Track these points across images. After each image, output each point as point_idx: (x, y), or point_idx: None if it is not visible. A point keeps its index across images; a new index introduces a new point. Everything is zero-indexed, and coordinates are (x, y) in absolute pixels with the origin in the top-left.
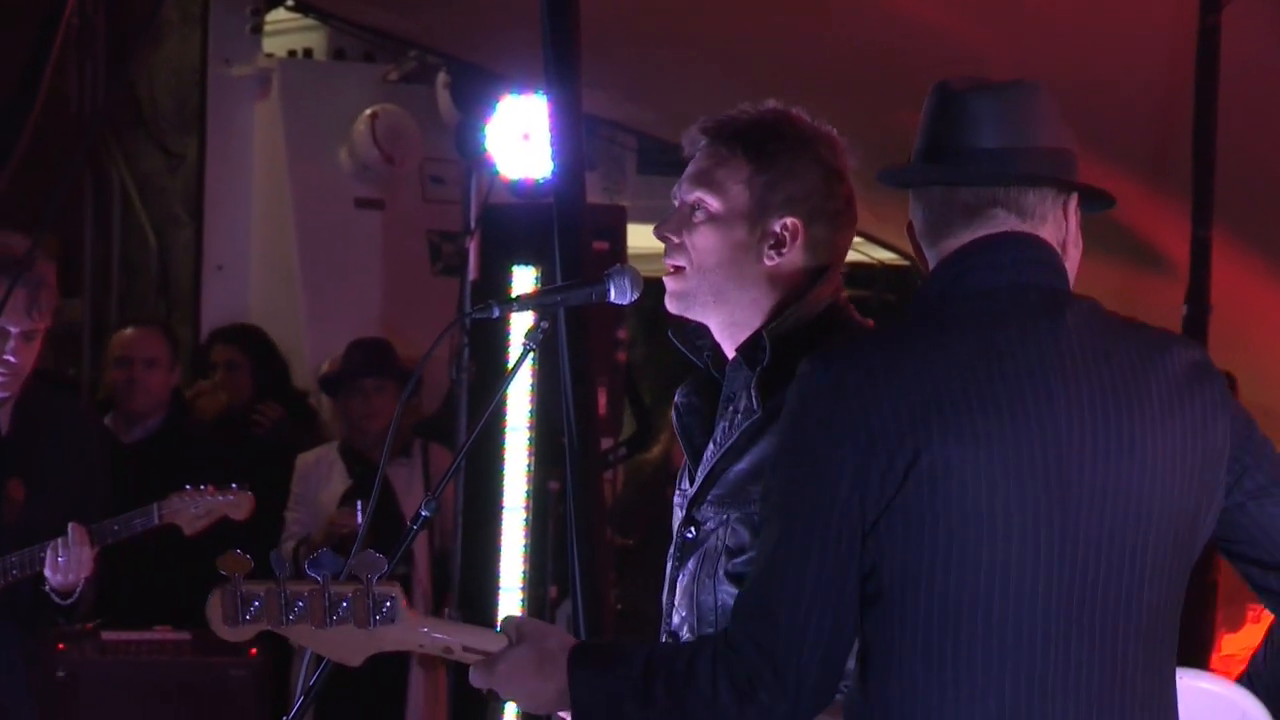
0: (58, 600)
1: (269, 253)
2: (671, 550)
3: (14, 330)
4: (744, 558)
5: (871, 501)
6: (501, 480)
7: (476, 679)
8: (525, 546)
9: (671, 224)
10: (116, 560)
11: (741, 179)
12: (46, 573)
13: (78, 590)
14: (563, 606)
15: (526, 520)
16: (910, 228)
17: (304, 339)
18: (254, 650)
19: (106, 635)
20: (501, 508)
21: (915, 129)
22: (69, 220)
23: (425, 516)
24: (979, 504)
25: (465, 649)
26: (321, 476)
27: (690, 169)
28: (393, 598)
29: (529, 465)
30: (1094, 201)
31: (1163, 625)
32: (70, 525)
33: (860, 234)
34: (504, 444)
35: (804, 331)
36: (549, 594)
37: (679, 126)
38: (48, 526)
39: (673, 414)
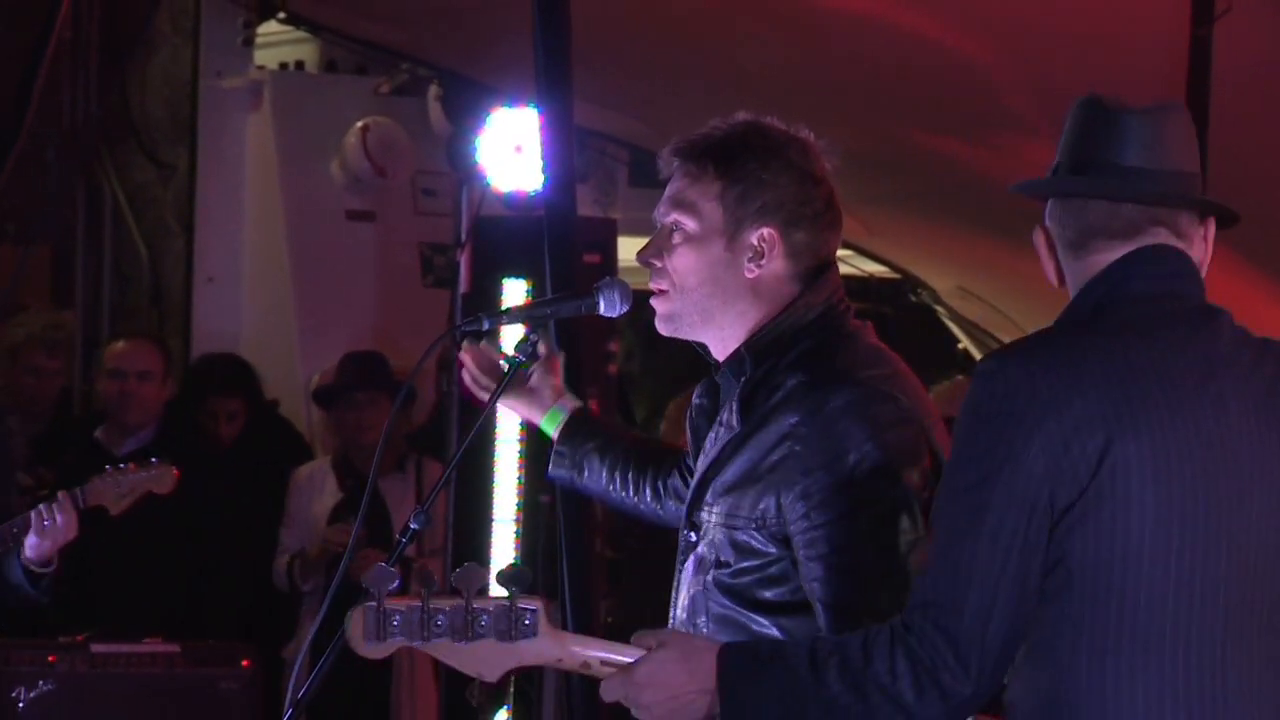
0: (37, 570)
1: (261, 264)
2: (678, 548)
3: None
4: (728, 571)
5: (1063, 494)
6: (492, 493)
7: (610, 690)
8: (516, 559)
9: (651, 248)
10: (107, 573)
11: (713, 195)
12: (31, 540)
13: (54, 563)
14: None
15: (518, 533)
16: (1045, 236)
17: (295, 351)
18: (246, 661)
19: (96, 648)
20: (492, 520)
21: (911, 142)
22: (61, 231)
23: (415, 529)
24: (1168, 500)
25: (604, 663)
26: (314, 490)
27: (666, 191)
28: (534, 611)
29: (520, 478)
30: (1220, 224)
31: None
32: (59, 493)
33: (852, 247)
34: (495, 456)
35: (789, 341)
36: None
37: (671, 138)
38: None
39: (687, 413)
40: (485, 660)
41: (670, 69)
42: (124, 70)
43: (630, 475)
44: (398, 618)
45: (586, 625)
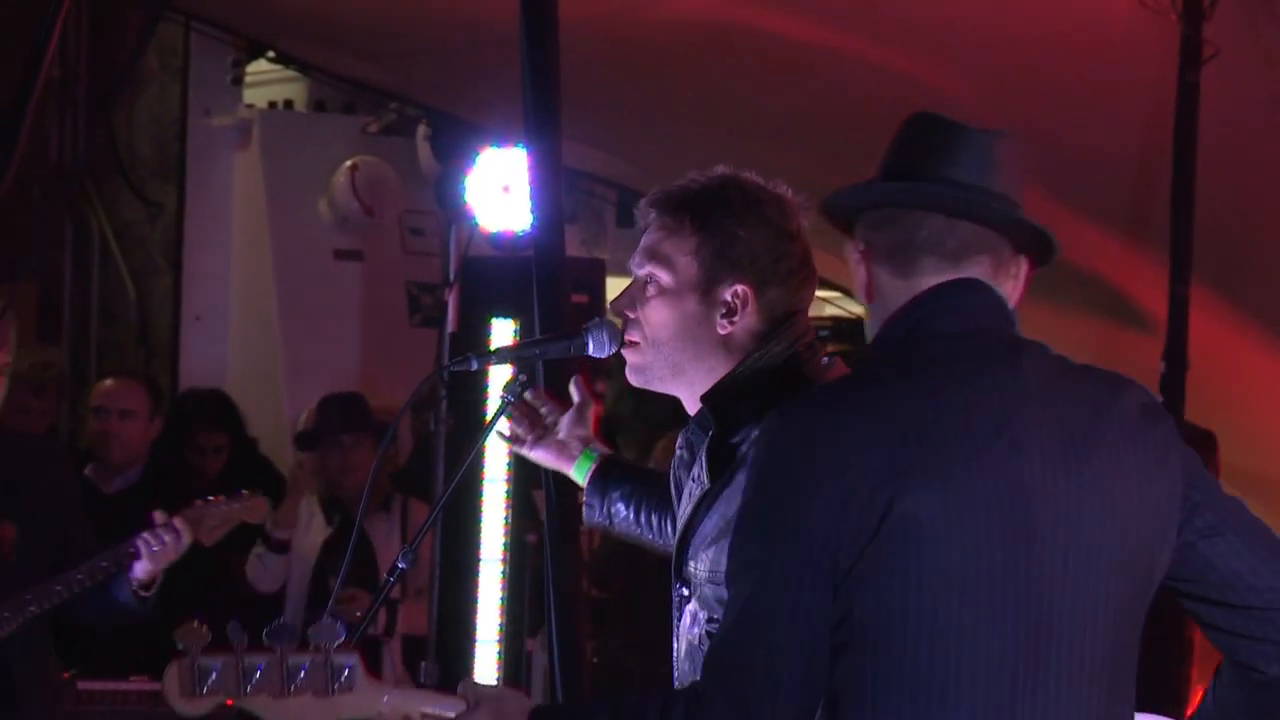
0: (143, 593)
1: (248, 303)
2: (673, 603)
3: None
4: (715, 625)
5: (845, 551)
6: (479, 533)
7: None
8: (502, 599)
9: (625, 299)
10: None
11: (689, 250)
12: (141, 563)
13: (158, 581)
14: (538, 658)
15: (504, 573)
16: (864, 247)
17: (282, 389)
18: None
19: (82, 685)
20: (479, 560)
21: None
22: (48, 268)
23: (402, 569)
24: (951, 553)
25: (424, 716)
26: (301, 527)
27: (642, 242)
28: (351, 665)
29: (506, 518)
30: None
31: (1123, 668)
32: (168, 516)
33: (838, 289)
34: (482, 496)
35: (750, 389)
36: (526, 646)
37: (659, 180)
38: (41, 563)
39: (672, 465)
40: (304, 716)
41: (658, 110)
42: (112, 108)
43: (654, 519)
44: (214, 672)
45: (573, 665)
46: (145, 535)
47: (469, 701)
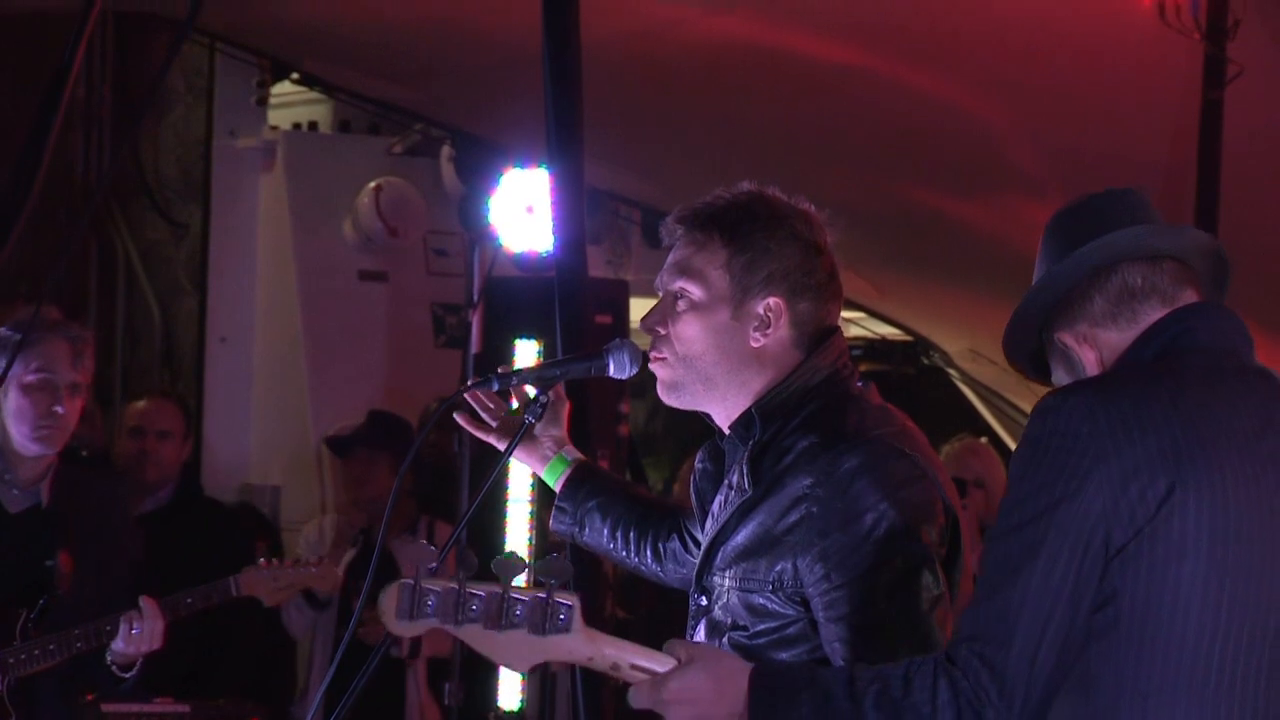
0: (118, 672)
1: (273, 324)
2: (689, 613)
3: (63, 382)
4: (744, 633)
5: (1119, 534)
6: (502, 552)
7: (639, 698)
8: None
9: (656, 315)
10: None
11: (720, 263)
12: (117, 644)
13: (139, 664)
14: (562, 679)
15: None
16: (1077, 338)
17: (307, 411)
18: (255, 718)
19: (106, 707)
20: None
21: (922, 203)
22: (73, 289)
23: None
24: (1222, 548)
25: (634, 667)
26: (324, 545)
27: (670, 258)
28: (570, 606)
29: (530, 538)
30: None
31: None
32: (142, 599)
33: (863, 309)
34: (506, 516)
35: (797, 403)
36: (550, 667)
37: (684, 200)
38: (93, 598)
39: (691, 477)
40: (515, 651)
41: (683, 131)
42: (137, 129)
43: (632, 535)
44: (433, 598)
45: (596, 685)
46: (131, 613)
47: (680, 659)
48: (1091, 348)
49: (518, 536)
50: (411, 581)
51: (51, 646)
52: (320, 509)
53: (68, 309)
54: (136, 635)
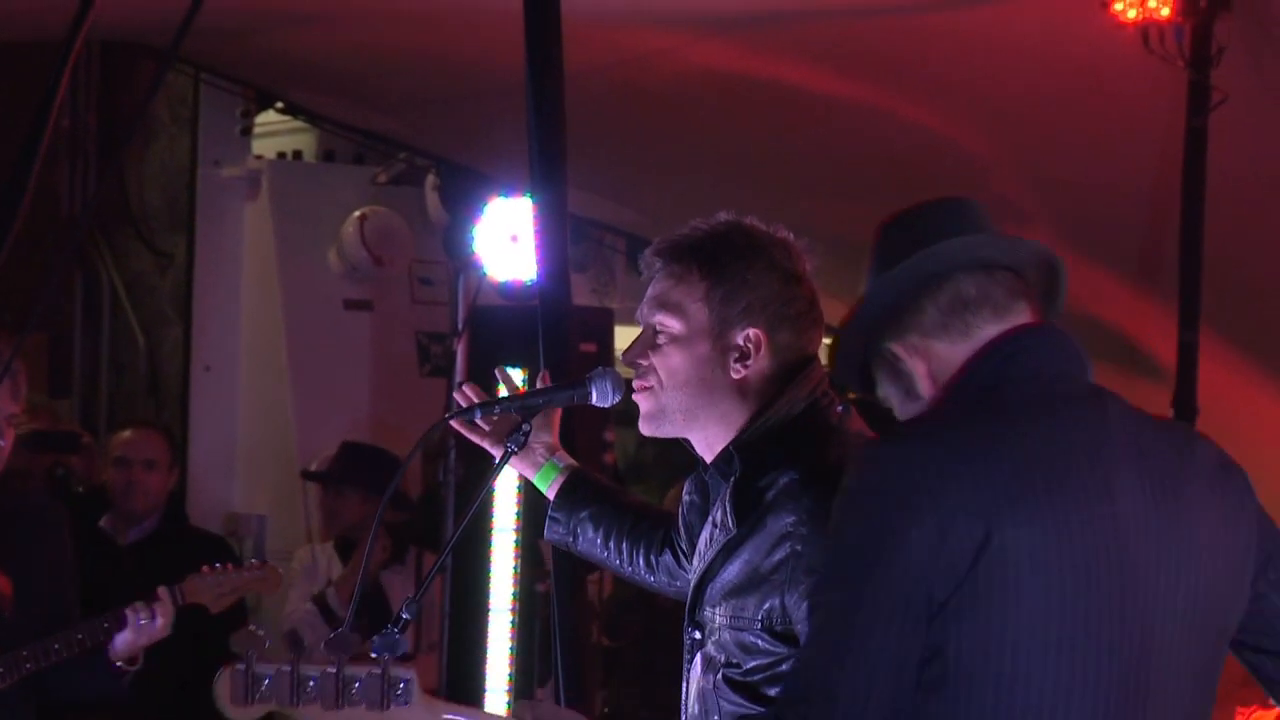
0: (124, 665)
1: (258, 353)
2: (683, 645)
3: (2, 414)
4: (737, 670)
5: (941, 584)
6: (489, 582)
7: None
8: (512, 648)
9: (637, 349)
10: None
11: (699, 296)
12: (123, 636)
13: (139, 659)
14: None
15: (513, 622)
16: (915, 344)
17: (293, 440)
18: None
19: None
20: (489, 609)
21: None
22: (58, 319)
23: (406, 619)
24: (1047, 590)
25: None
26: (319, 574)
27: (650, 291)
28: (408, 680)
29: (516, 567)
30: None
31: (1204, 711)
32: (157, 589)
33: None
34: (491, 545)
35: (776, 438)
36: (535, 696)
37: (670, 228)
38: (37, 621)
39: (679, 508)
40: None
41: (668, 159)
42: (122, 159)
43: (625, 545)
44: (268, 679)
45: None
46: (138, 604)
47: None
48: (922, 359)
49: (503, 566)
50: (243, 666)
51: (0, 670)
52: (306, 537)
53: (53, 339)
54: (145, 625)
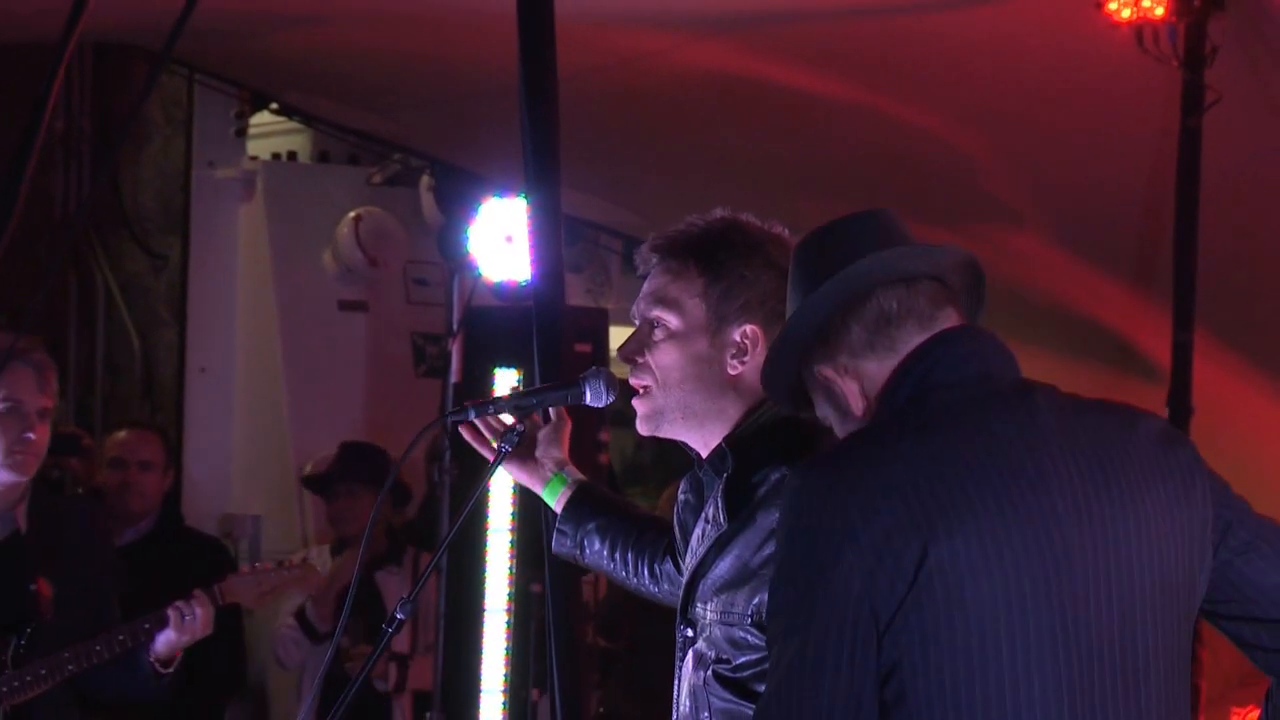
0: (163, 668)
1: (253, 354)
2: (677, 644)
3: (31, 409)
4: (727, 666)
5: (884, 603)
6: (483, 582)
7: None
8: (507, 649)
9: (633, 345)
10: None
11: (696, 292)
12: (165, 635)
13: (178, 659)
14: (543, 708)
15: (509, 623)
16: (844, 364)
17: (288, 441)
18: None
19: None
20: (483, 610)
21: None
22: (53, 321)
23: (400, 620)
24: (992, 595)
25: None
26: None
27: (646, 287)
28: None
29: (511, 567)
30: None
31: (1176, 692)
32: (194, 591)
33: None
34: (486, 546)
35: (768, 435)
36: (531, 696)
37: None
38: (79, 621)
39: (674, 509)
40: None
41: (663, 160)
42: (116, 160)
43: (630, 556)
44: None
45: (577, 716)
46: (179, 604)
47: None
48: (853, 379)
49: (498, 566)
50: None
51: (42, 671)
52: (301, 538)
53: (47, 340)
54: (189, 622)
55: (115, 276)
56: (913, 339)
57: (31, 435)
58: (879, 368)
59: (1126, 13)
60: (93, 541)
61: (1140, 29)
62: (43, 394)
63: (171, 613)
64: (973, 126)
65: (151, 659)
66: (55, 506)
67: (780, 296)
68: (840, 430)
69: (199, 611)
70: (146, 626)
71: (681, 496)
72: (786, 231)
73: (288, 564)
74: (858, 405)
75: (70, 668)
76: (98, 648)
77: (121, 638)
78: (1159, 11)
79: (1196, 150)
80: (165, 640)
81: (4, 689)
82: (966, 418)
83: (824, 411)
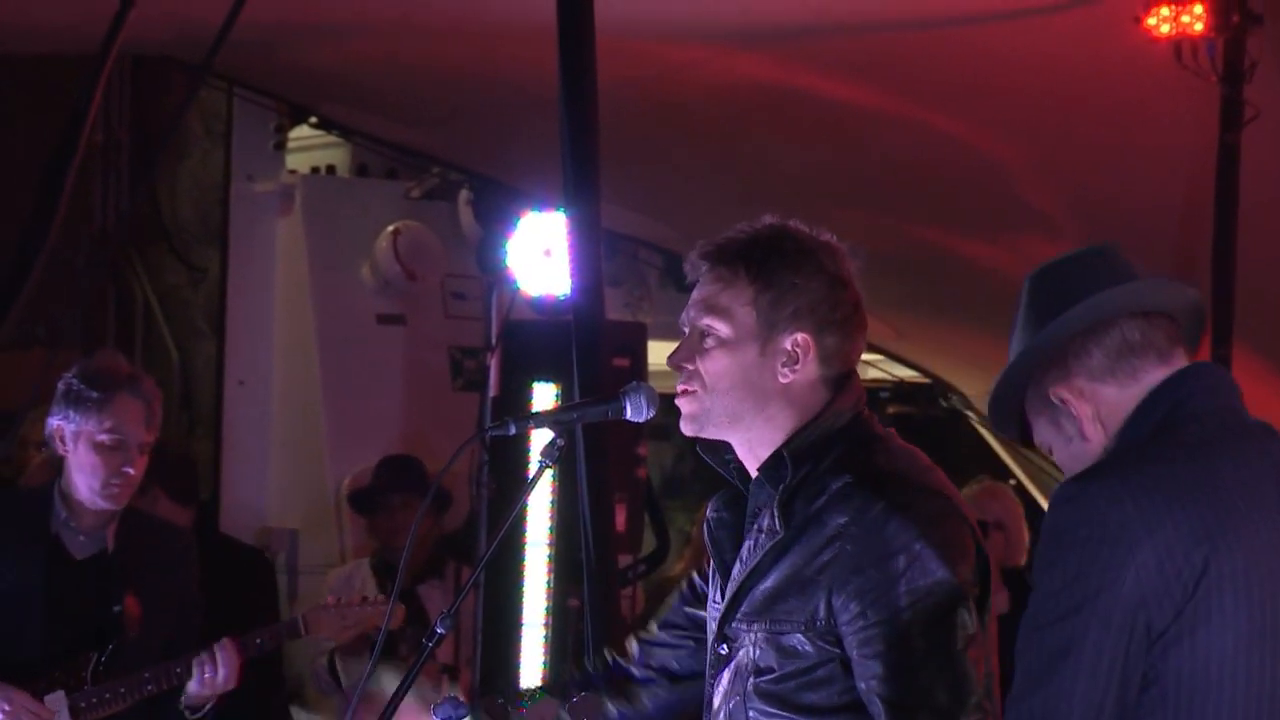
0: (189, 715)
1: (291, 368)
2: (707, 664)
3: (134, 443)
4: (770, 676)
5: (1159, 617)
6: (521, 596)
7: None
8: (544, 662)
9: (683, 352)
10: None
11: (747, 300)
12: (192, 685)
13: (209, 705)
14: None
15: (546, 636)
16: (1081, 388)
17: (325, 454)
18: None
19: None
20: (521, 624)
21: (941, 245)
22: (91, 333)
23: (440, 634)
24: (1259, 617)
25: None
26: (353, 592)
27: (695, 295)
28: None
29: (549, 581)
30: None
31: None
32: (224, 639)
33: (881, 351)
34: (524, 560)
35: (826, 445)
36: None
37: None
38: (160, 641)
39: (704, 528)
40: None
41: (700, 173)
42: (155, 173)
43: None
44: None
45: None
46: (202, 657)
47: None
48: (1089, 403)
49: (535, 581)
50: None
51: (122, 690)
52: (339, 552)
53: (86, 353)
54: (211, 677)
55: (154, 289)
56: (1152, 370)
57: (131, 470)
58: (1119, 394)
59: (1165, 28)
60: (177, 563)
61: (1179, 44)
62: (148, 429)
63: (195, 665)
64: (1011, 139)
65: (183, 703)
66: (145, 528)
67: (831, 304)
68: (1060, 457)
69: (222, 668)
70: (178, 670)
71: (714, 515)
72: (834, 238)
73: (374, 600)
74: (1090, 429)
75: (149, 688)
76: (178, 670)
77: (179, 670)
78: (1198, 27)
79: (1235, 165)
80: (192, 689)
81: (82, 704)
82: (1224, 446)
83: (1044, 437)
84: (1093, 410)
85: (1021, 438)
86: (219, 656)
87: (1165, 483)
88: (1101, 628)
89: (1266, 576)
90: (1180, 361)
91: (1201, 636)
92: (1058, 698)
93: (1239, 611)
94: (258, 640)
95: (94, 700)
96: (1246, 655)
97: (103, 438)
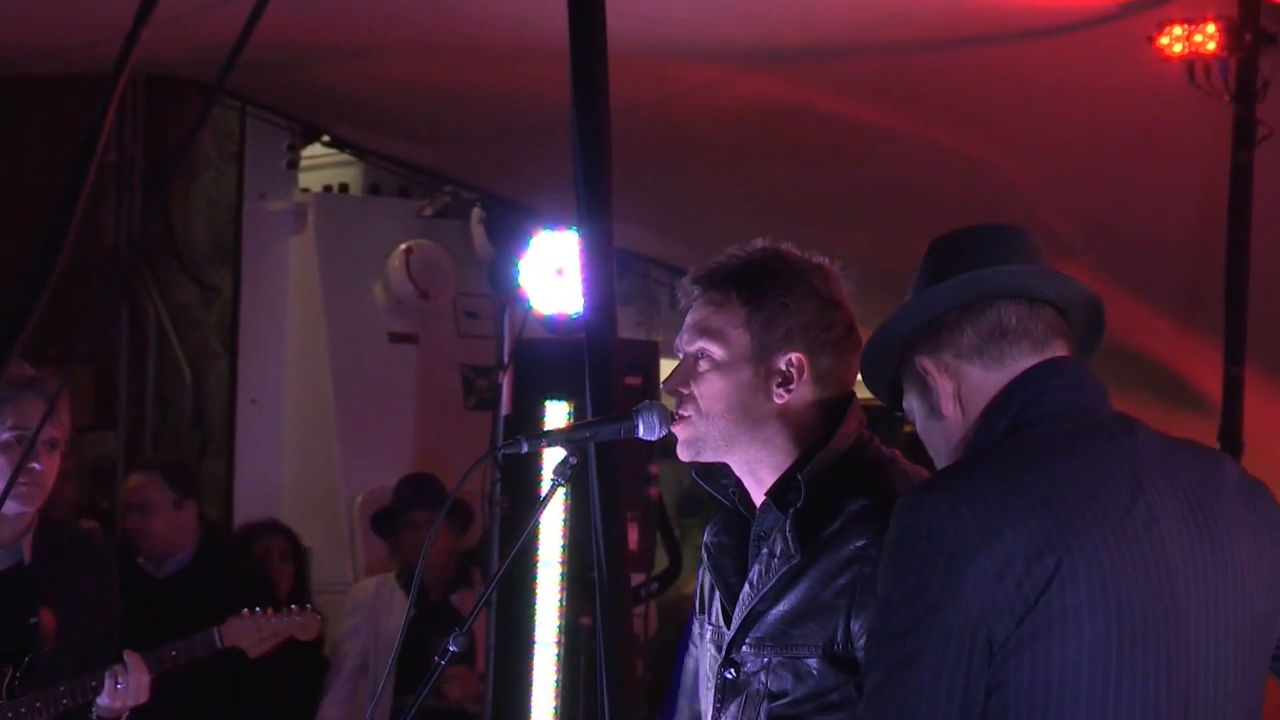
0: None
1: (303, 386)
2: (712, 690)
3: (41, 439)
4: (785, 701)
5: (1000, 627)
6: (533, 615)
7: None
8: (557, 681)
9: (678, 377)
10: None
11: (739, 322)
12: (102, 699)
13: (123, 718)
14: None
15: (558, 655)
16: (947, 362)
17: (338, 473)
18: None
19: None
20: (533, 642)
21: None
22: (104, 352)
23: (452, 651)
24: (1104, 626)
25: None
26: (382, 605)
27: (689, 319)
28: None
29: (561, 600)
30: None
31: None
32: (126, 653)
33: None
34: (536, 578)
35: (837, 468)
36: None
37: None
38: (77, 655)
39: (703, 552)
40: None
41: (713, 193)
42: (167, 192)
43: None
44: None
45: None
46: (116, 669)
47: None
48: (951, 379)
49: (548, 599)
50: None
51: (38, 704)
52: (351, 570)
53: (98, 372)
54: (121, 690)
55: (166, 308)
56: (1022, 359)
57: (37, 466)
58: (983, 377)
59: (1178, 47)
60: (95, 573)
61: (1191, 64)
62: (52, 425)
63: (108, 677)
64: (1023, 159)
65: (94, 717)
66: (62, 539)
67: (823, 324)
68: (921, 429)
69: (131, 680)
70: (93, 684)
71: (713, 539)
72: (827, 260)
73: (289, 610)
74: (948, 406)
75: (65, 702)
76: (93, 684)
77: (94, 683)
78: (1211, 46)
79: (1248, 184)
80: (102, 703)
81: None
82: (1075, 447)
83: (910, 404)
84: (954, 388)
85: (891, 402)
86: (129, 667)
87: (1005, 491)
88: (942, 640)
89: (1122, 584)
90: (1051, 350)
91: (1043, 646)
92: (900, 713)
93: (1087, 621)
94: (171, 652)
95: (9, 715)
96: (1100, 665)
97: (6, 436)
